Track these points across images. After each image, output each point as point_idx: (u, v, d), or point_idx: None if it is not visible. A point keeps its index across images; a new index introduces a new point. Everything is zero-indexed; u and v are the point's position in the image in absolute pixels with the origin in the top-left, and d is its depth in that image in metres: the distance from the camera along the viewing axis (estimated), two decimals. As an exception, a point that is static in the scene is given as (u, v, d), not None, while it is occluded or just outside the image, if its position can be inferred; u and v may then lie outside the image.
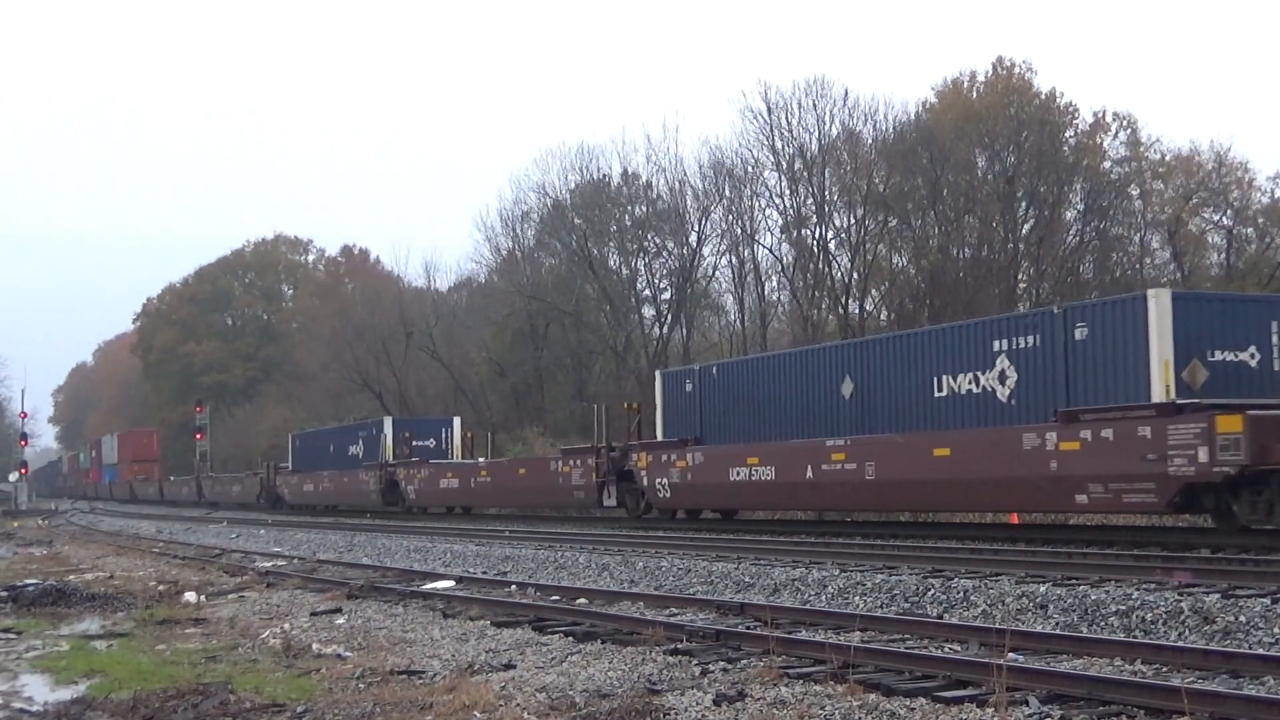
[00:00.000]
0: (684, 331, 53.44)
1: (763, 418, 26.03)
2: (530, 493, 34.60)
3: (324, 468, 49.59)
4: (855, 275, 45.92)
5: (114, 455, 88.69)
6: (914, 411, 22.14)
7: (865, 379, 23.45)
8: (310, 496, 51.01)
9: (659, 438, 29.08)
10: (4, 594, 18.85)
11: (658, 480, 28.23)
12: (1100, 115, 46.30)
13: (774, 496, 25.72)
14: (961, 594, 12.94)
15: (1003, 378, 20.44)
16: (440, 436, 44.27)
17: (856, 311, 46.05)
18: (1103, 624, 11.18)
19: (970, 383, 21.06)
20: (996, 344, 20.56)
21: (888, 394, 22.82)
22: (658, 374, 30.50)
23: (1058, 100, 46.26)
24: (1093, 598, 11.77)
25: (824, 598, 14.12)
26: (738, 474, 25.84)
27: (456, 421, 45.84)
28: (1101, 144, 46.20)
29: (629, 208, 54.89)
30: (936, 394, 21.70)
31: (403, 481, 41.70)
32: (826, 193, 46.53)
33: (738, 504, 27.88)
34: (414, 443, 43.17)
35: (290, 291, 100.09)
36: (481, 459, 39.79)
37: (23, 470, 78.29)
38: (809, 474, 23.79)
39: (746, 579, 15.63)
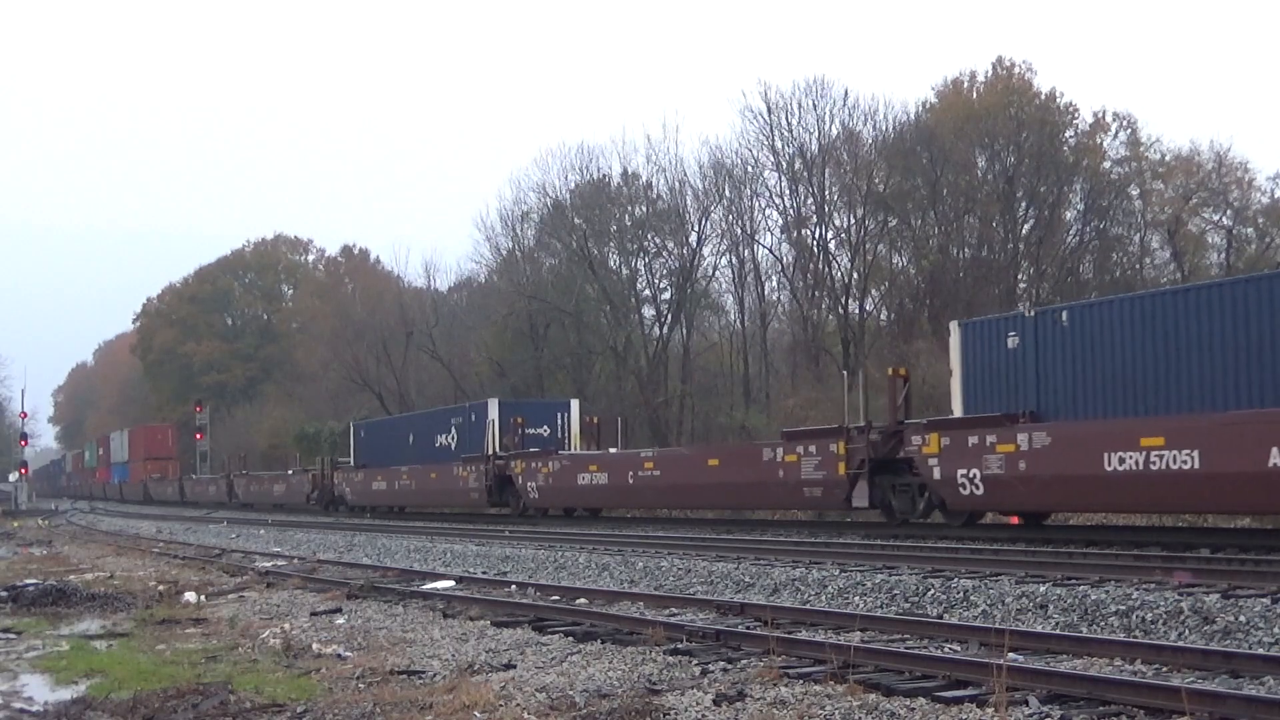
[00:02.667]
0: (684, 331, 53.44)
1: (1157, 379, 18.80)
2: (729, 491, 27.16)
3: (400, 462, 42.54)
4: (855, 275, 45.91)
5: (124, 453, 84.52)
6: None
7: None
8: (381, 497, 44.14)
9: (957, 412, 22.05)
10: (4, 594, 18.84)
11: (963, 472, 20.72)
12: (1100, 115, 46.34)
13: (1201, 493, 17.76)
14: (961, 594, 12.94)
15: None
16: (555, 423, 37.31)
17: (856, 311, 46.06)
18: (1103, 624, 11.18)
19: None
20: None
21: None
22: (955, 326, 22.79)
23: (1058, 100, 46.26)
24: (1093, 598, 11.77)
25: (824, 598, 14.12)
26: (1121, 461, 18.20)
27: (574, 405, 38.66)
28: (1101, 144, 46.20)
29: (629, 208, 54.88)
30: None
31: (520, 477, 34.26)
32: (826, 193, 46.56)
33: (1118, 504, 19.98)
34: (525, 430, 36.29)
35: (290, 291, 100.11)
36: (649, 450, 32.25)
37: (23, 470, 78.26)
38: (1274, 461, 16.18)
39: (746, 579, 15.63)
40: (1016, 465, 19.74)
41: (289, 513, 49.01)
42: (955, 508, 21.57)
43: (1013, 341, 21.20)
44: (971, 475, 20.56)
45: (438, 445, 40.32)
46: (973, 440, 20.56)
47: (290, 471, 54.22)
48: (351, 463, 47.75)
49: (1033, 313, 21.39)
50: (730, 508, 29.61)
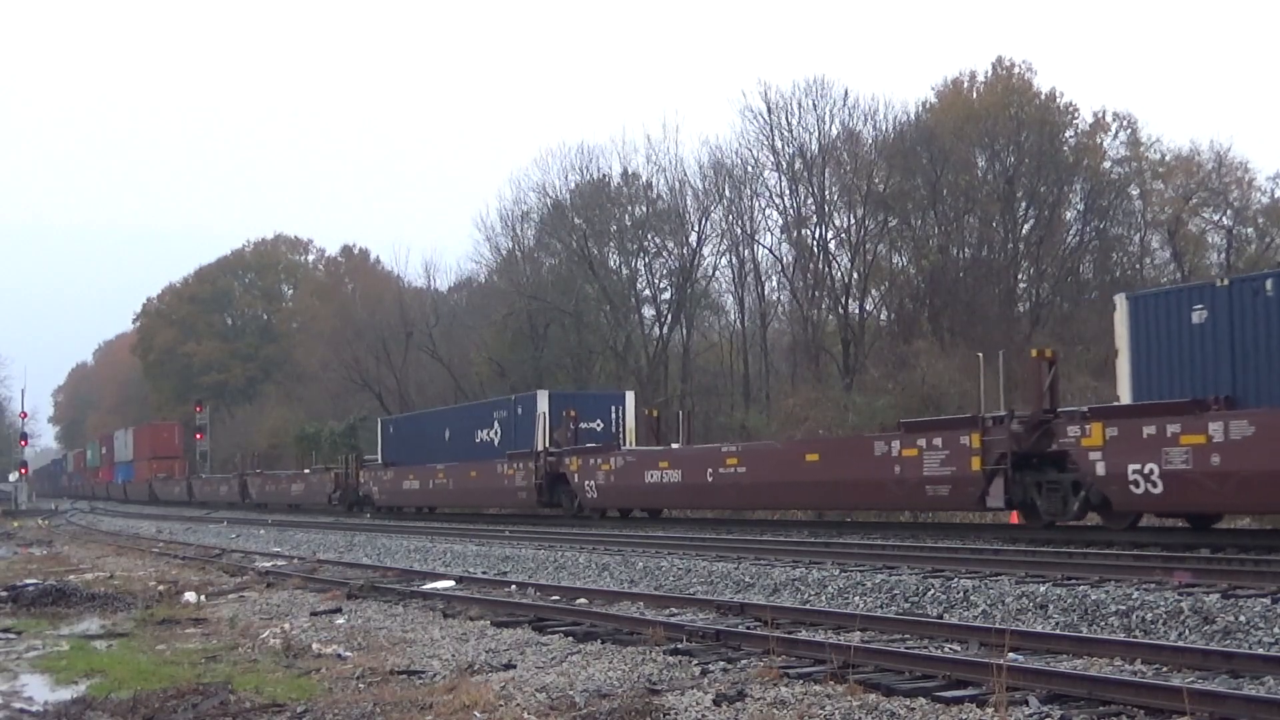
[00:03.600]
0: (684, 331, 53.45)
1: None
2: (831, 490, 24.44)
3: (435, 459, 39.63)
4: (855, 275, 45.92)
5: (129, 452, 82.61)
6: None
7: None
8: (413, 497, 41.41)
9: (1125, 398, 19.78)
10: (4, 594, 18.84)
11: (1135, 468, 17.85)
12: (1100, 115, 46.37)
13: None
14: (961, 594, 12.94)
15: None
16: (609, 416, 34.74)
17: (856, 311, 46.07)
18: (1103, 624, 11.18)
19: None
20: None
21: None
22: (1121, 300, 20.37)
23: (1058, 100, 46.30)
24: (1093, 598, 11.76)
25: (824, 598, 14.12)
26: None
27: (630, 398, 35.97)
28: (1101, 144, 46.22)
29: (629, 208, 54.89)
30: None
31: (575, 475, 31.51)
32: (826, 193, 46.56)
33: None
34: (579, 424, 33.60)
35: (290, 291, 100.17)
36: (732, 444, 29.27)
37: (23, 470, 78.29)
38: None
39: (746, 579, 15.63)
40: (1208, 459, 16.95)
41: (308, 514, 46.42)
42: (1123, 509, 18.77)
43: (1198, 316, 18.71)
44: (1148, 472, 17.65)
45: (478, 441, 37.74)
46: (1149, 431, 17.65)
47: (309, 470, 51.60)
48: (379, 460, 44.93)
49: (1226, 282, 19.01)
50: (831, 508, 26.73)
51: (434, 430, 41.66)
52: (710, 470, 26.86)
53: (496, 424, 37.06)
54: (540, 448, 33.21)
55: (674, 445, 30.71)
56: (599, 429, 34.03)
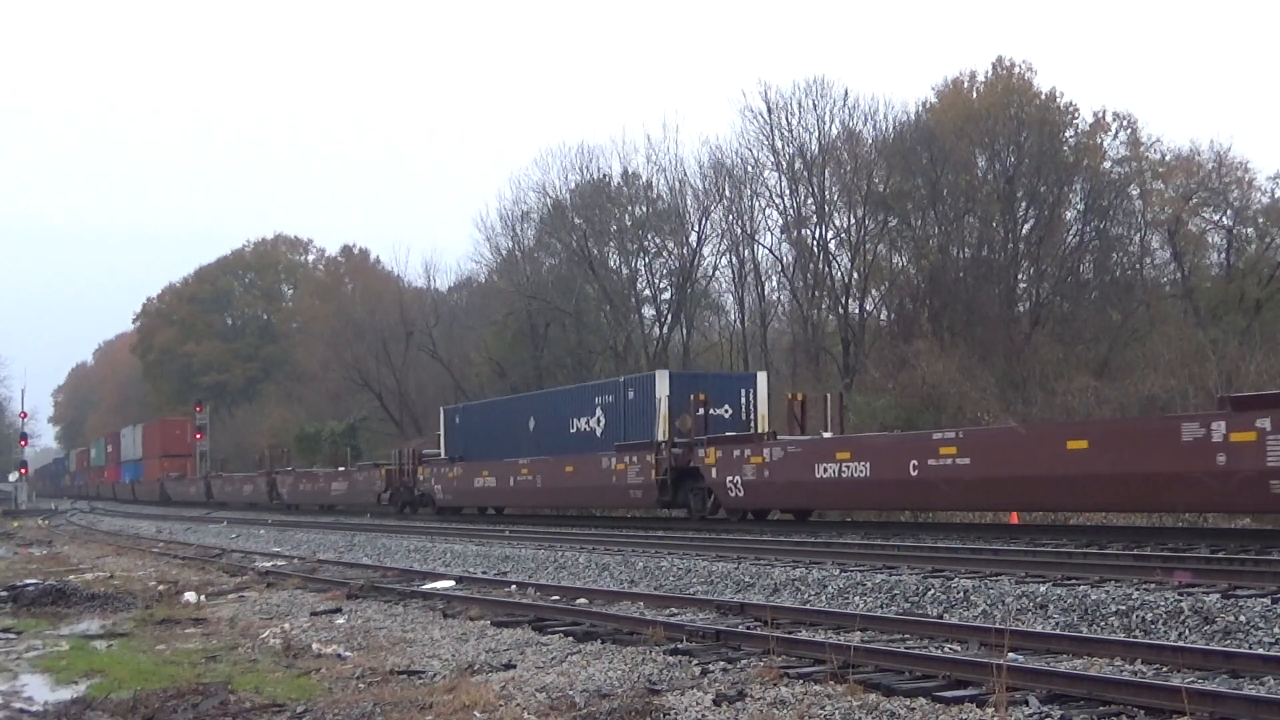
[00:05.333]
0: (684, 331, 53.45)
1: None
2: (1109, 486, 18.81)
3: (514, 452, 34.99)
4: (855, 275, 45.93)
5: (137, 450, 79.52)
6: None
7: None
8: (488, 496, 36.18)
9: None
10: (4, 594, 18.85)
11: None
12: (1100, 115, 46.32)
13: None
14: (961, 594, 12.94)
15: None
16: (738, 401, 29.85)
17: (856, 311, 46.07)
18: (1103, 624, 11.18)
19: None
20: None
21: None
22: None
23: (1058, 100, 46.25)
24: (1093, 598, 11.76)
25: (824, 598, 14.11)
26: None
27: (762, 379, 30.89)
28: (1101, 144, 46.19)
29: (629, 208, 54.91)
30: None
31: (713, 470, 26.46)
32: (826, 193, 46.56)
33: None
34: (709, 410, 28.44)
35: (290, 291, 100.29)
36: (951, 430, 23.03)
37: (23, 470, 78.33)
38: None
39: (746, 579, 15.62)
40: None
41: (352, 515, 42.50)
42: None
43: None
44: None
45: (573, 431, 32.97)
46: None
47: (355, 467, 47.29)
48: (442, 454, 40.06)
49: None
50: (1107, 508, 21.17)
51: (514, 419, 36.70)
52: (914, 463, 21.84)
53: (599, 411, 32.02)
54: (662, 438, 28.41)
55: (825, 434, 26.45)
56: (727, 415, 29.07)
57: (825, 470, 23.73)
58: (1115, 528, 20.98)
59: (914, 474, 21.85)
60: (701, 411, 28.02)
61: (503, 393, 49.62)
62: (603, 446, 31.03)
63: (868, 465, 22.98)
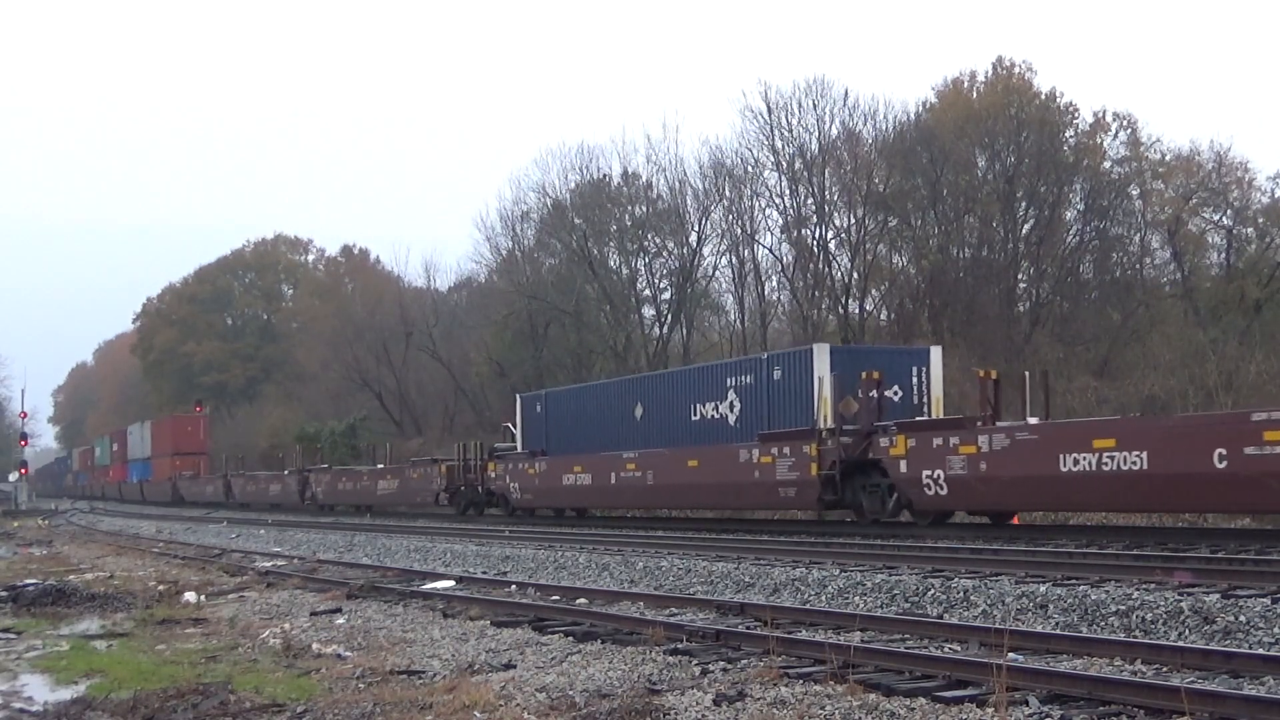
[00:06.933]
0: (684, 331, 53.46)
1: None
2: None
3: (613, 445, 30.25)
4: (855, 275, 45.93)
5: (145, 448, 75.63)
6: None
7: None
8: (580, 495, 31.19)
9: None
10: (4, 594, 18.85)
11: None
12: (1100, 115, 46.33)
13: None
14: (961, 594, 12.94)
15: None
16: (909, 381, 25.67)
17: (856, 311, 46.07)
18: (1103, 624, 11.18)
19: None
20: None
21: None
22: None
23: (1058, 100, 46.26)
24: (1093, 598, 11.76)
25: (824, 598, 14.11)
26: None
27: (935, 354, 26.64)
28: (1101, 144, 46.20)
29: (629, 208, 54.93)
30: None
31: (902, 463, 21.73)
32: (826, 193, 46.56)
33: None
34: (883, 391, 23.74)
35: (290, 291, 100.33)
36: (1264, 410, 17.00)
37: (23, 470, 78.34)
38: None
39: (746, 579, 15.63)
40: None
41: (410, 518, 38.37)
42: None
43: None
44: None
45: (696, 418, 28.39)
46: None
47: (410, 462, 42.33)
48: (519, 448, 35.54)
49: None
50: None
51: (615, 406, 31.88)
52: (1221, 451, 16.79)
53: (732, 395, 27.42)
54: (826, 425, 23.86)
55: (1031, 420, 21.44)
56: (896, 398, 24.93)
57: (1077, 463, 18.83)
58: (1115, 528, 20.97)
59: (1221, 466, 16.85)
60: (875, 393, 23.29)
61: (503, 393, 49.11)
62: (738, 436, 26.46)
63: (1144, 455, 18.00)
